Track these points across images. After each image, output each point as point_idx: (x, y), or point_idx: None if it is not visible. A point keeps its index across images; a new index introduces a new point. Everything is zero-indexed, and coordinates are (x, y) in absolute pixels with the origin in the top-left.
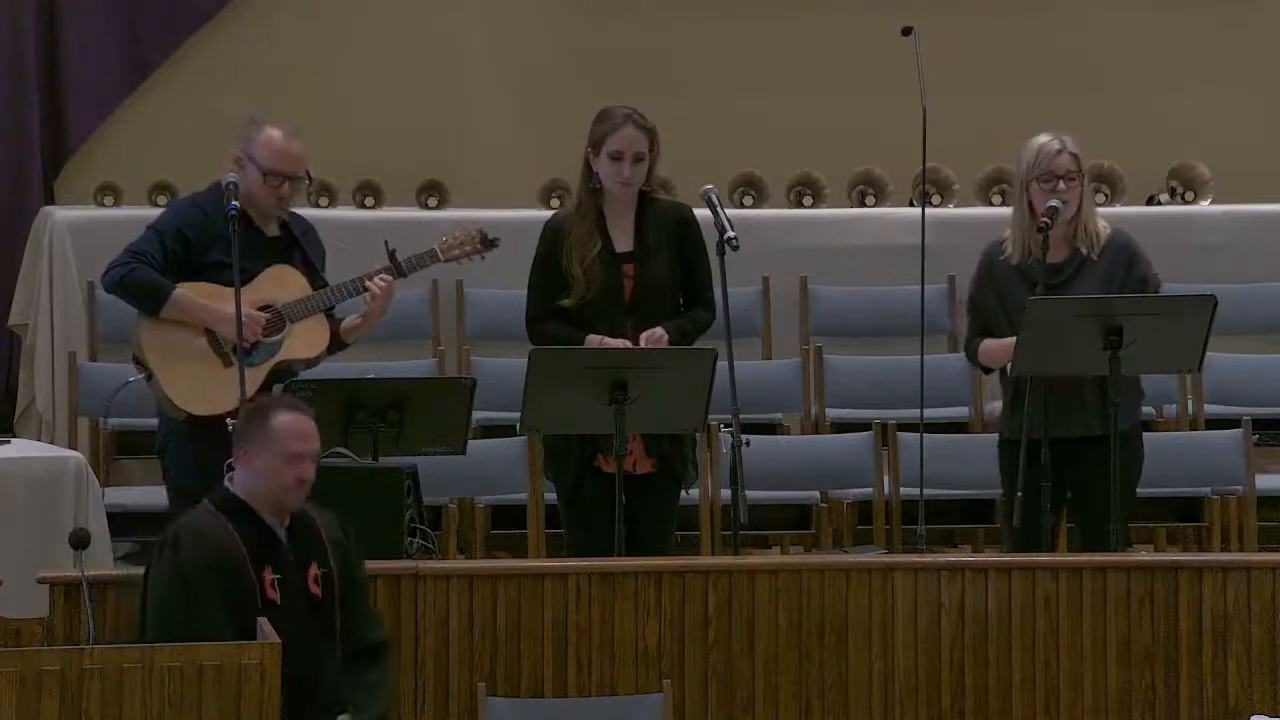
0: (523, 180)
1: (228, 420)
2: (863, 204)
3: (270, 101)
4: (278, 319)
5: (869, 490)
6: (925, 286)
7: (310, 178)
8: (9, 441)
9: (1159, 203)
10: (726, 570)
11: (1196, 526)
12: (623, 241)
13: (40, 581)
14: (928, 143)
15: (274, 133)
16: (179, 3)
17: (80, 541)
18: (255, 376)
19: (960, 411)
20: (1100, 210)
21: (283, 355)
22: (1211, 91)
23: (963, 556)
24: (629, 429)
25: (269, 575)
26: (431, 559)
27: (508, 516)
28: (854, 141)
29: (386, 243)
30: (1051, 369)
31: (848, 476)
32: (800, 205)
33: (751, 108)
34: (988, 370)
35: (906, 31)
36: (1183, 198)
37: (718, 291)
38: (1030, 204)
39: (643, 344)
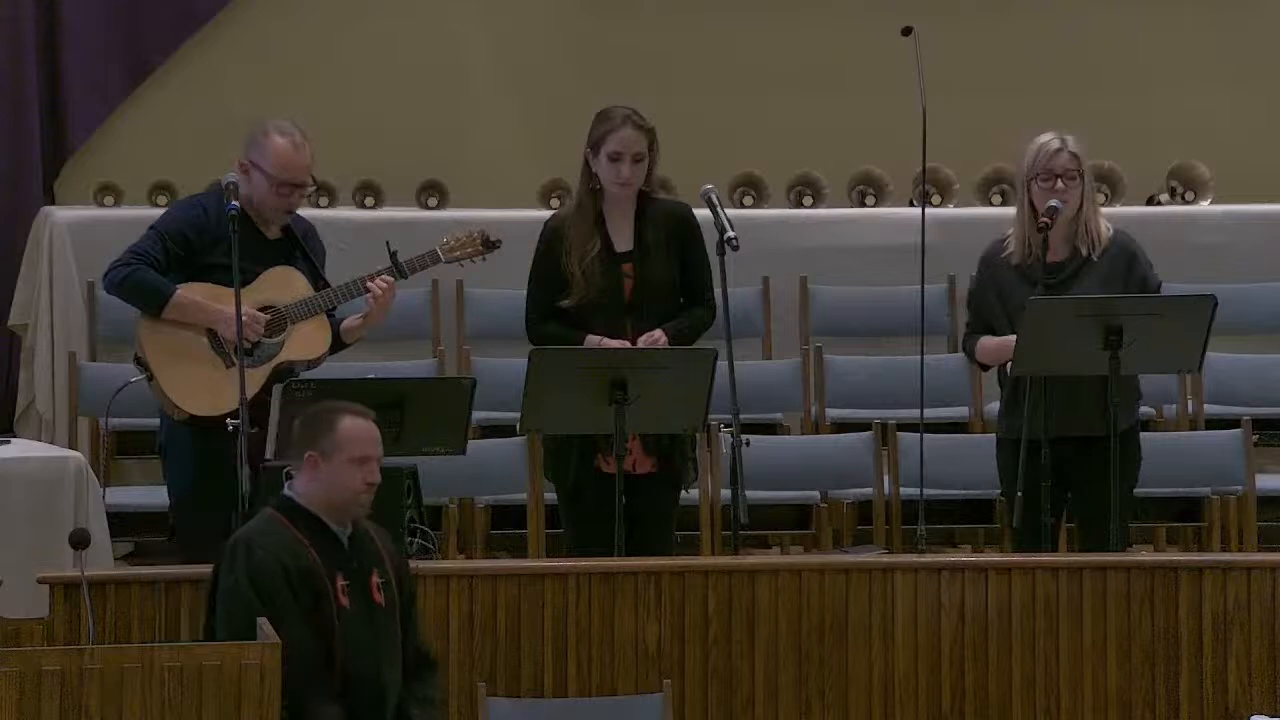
0: (523, 180)
1: (228, 420)
2: (863, 204)
3: (270, 101)
4: (279, 319)
5: (869, 490)
6: (925, 286)
7: (314, 180)
8: (9, 441)
9: (1159, 203)
10: (726, 570)
11: (1196, 526)
12: (622, 241)
13: (40, 581)
14: (928, 143)
15: (282, 141)
16: (179, 3)
17: (80, 541)
18: (256, 377)
19: (960, 411)
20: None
21: (283, 356)
22: (1211, 91)
23: (963, 556)
24: (629, 429)
25: (341, 581)
26: (431, 559)
27: (508, 516)
28: (854, 141)
29: (388, 244)
30: (1051, 369)
31: (848, 476)
32: (800, 205)
33: (751, 108)
34: (985, 368)
35: (906, 31)
36: (1183, 198)
37: (718, 291)
38: (1031, 203)
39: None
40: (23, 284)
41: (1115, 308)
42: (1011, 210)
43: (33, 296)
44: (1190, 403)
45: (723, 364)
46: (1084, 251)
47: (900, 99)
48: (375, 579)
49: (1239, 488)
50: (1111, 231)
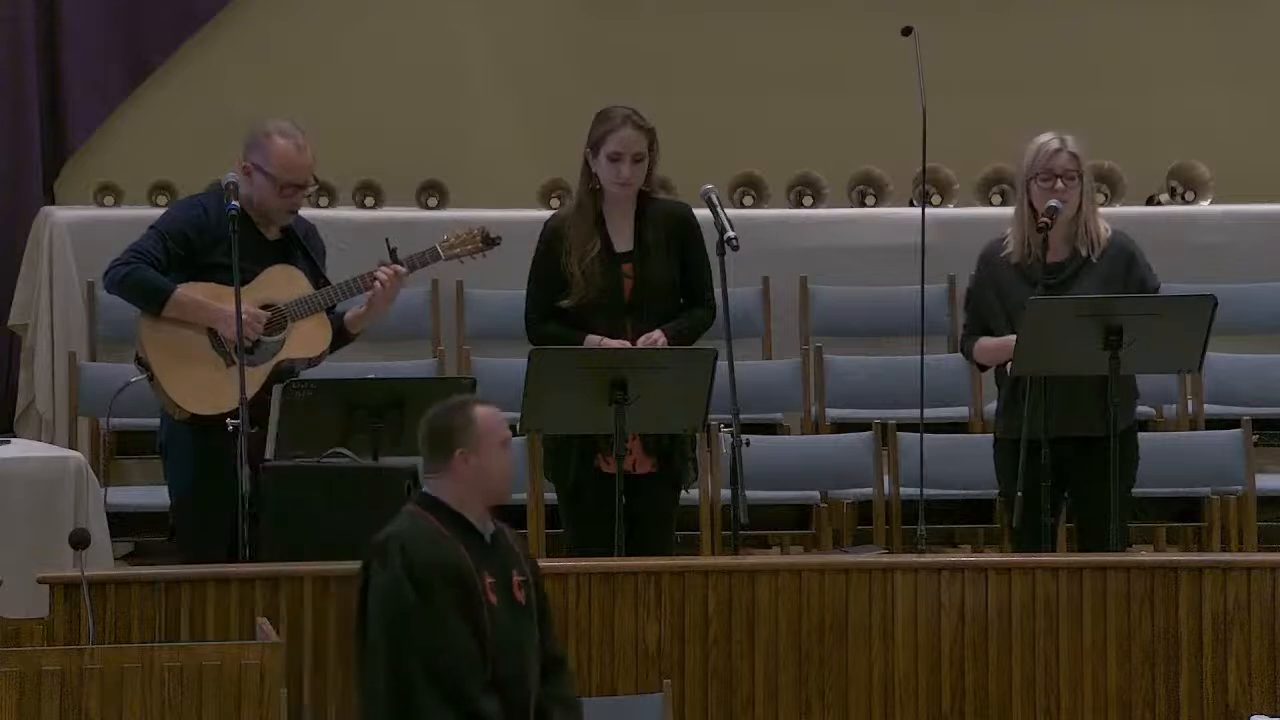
0: (523, 180)
1: (228, 420)
2: (863, 204)
3: (270, 101)
4: (279, 318)
5: (869, 490)
6: (925, 286)
7: (316, 180)
8: (9, 441)
9: (1159, 203)
10: (726, 570)
11: (1196, 526)
12: (622, 241)
13: (40, 581)
14: (928, 143)
15: (284, 143)
16: (179, 3)
17: (80, 541)
18: (257, 376)
19: (960, 411)
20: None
21: (284, 354)
22: (1211, 91)
23: (963, 556)
24: (629, 429)
25: (489, 579)
26: None
27: (508, 516)
28: (854, 141)
29: (388, 241)
30: (1051, 369)
31: (848, 476)
32: (800, 205)
33: (751, 108)
34: (984, 368)
35: (906, 31)
36: (1183, 198)
37: (717, 291)
38: (1030, 203)
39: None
40: (23, 284)
41: (1115, 308)
42: (1011, 210)
43: (33, 296)
44: (1190, 403)
45: (723, 364)
46: (1083, 252)
47: (900, 99)
48: (516, 577)
49: (1239, 488)
50: (1110, 232)
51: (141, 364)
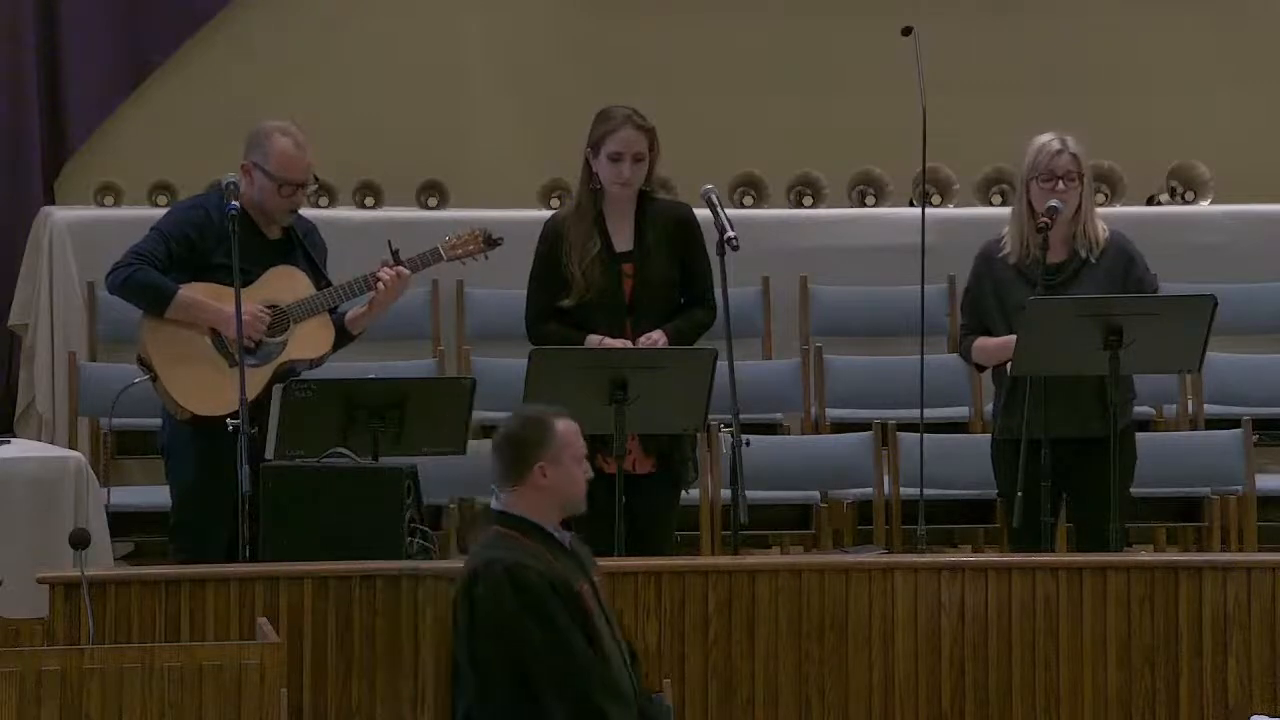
0: (523, 180)
1: (228, 420)
2: (863, 204)
3: (270, 101)
4: (281, 319)
5: (869, 490)
6: (925, 286)
7: (316, 179)
8: (9, 441)
9: (1159, 203)
10: (726, 570)
11: (1196, 526)
12: (622, 241)
13: (40, 581)
14: (928, 143)
15: (284, 142)
16: (179, 3)
17: (80, 541)
18: (259, 376)
19: (960, 411)
20: (1101, 210)
21: (286, 355)
22: (1211, 91)
23: (963, 556)
24: (629, 429)
25: (583, 586)
26: (431, 559)
27: None
28: (854, 141)
29: (390, 242)
30: (1051, 369)
31: (848, 476)
32: (800, 205)
33: (751, 108)
34: (981, 369)
35: (906, 31)
36: (1183, 198)
37: (717, 291)
38: (1030, 203)
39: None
40: (23, 284)
41: (1115, 308)
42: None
43: (33, 296)
44: (1190, 403)
45: (723, 364)
46: (1082, 253)
47: (900, 99)
48: (597, 581)
49: (1239, 488)
50: (1108, 233)
51: (144, 365)
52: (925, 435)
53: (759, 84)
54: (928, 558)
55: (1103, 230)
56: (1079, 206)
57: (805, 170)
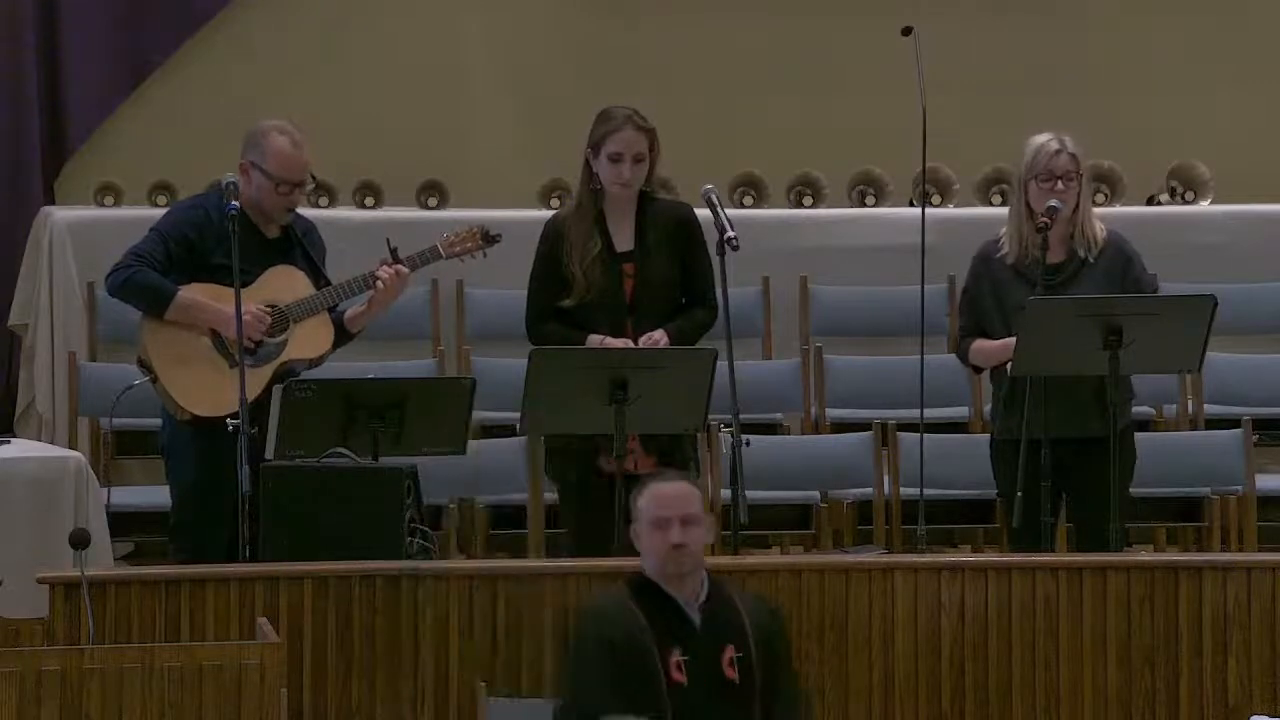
0: (523, 180)
1: (228, 420)
2: (863, 204)
3: (270, 101)
4: (281, 319)
5: (869, 490)
6: (925, 286)
7: (314, 178)
8: (9, 441)
9: (1159, 203)
10: (727, 570)
11: (1196, 526)
12: (623, 241)
13: (40, 581)
14: (928, 143)
15: (282, 140)
16: (179, 3)
17: (80, 541)
18: (259, 377)
19: (960, 411)
20: (1101, 210)
21: (286, 355)
22: (1211, 91)
23: (963, 556)
24: (629, 429)
25: (675, 657)
26: (431, 559)
27: (508, 516)
28: (854, 141)
29: (388, 240)
30: (1051, 369)
31: (848, 476)
32: (800, 205)
33: (751, 108)
34: (979, 370)
35: (906, 31)
36: (1183, 198)
37: (718, 291)
38: (1028, 203)
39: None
40: (23, 284)
41: (1115, 308)
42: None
43: (33, 296)
44: (1190, 403)
45: (723, 364)
46: (1081, 253)
47: (900, 99)
48: (730, 654)
49: (1239, 488)
50: (1106, 233)
51: (144, 366)
52: (925, 435)
53: (759, 84)
54: (928, 558)
55: (1101, 230)
56: (1077, 206)
57: (805, 170)
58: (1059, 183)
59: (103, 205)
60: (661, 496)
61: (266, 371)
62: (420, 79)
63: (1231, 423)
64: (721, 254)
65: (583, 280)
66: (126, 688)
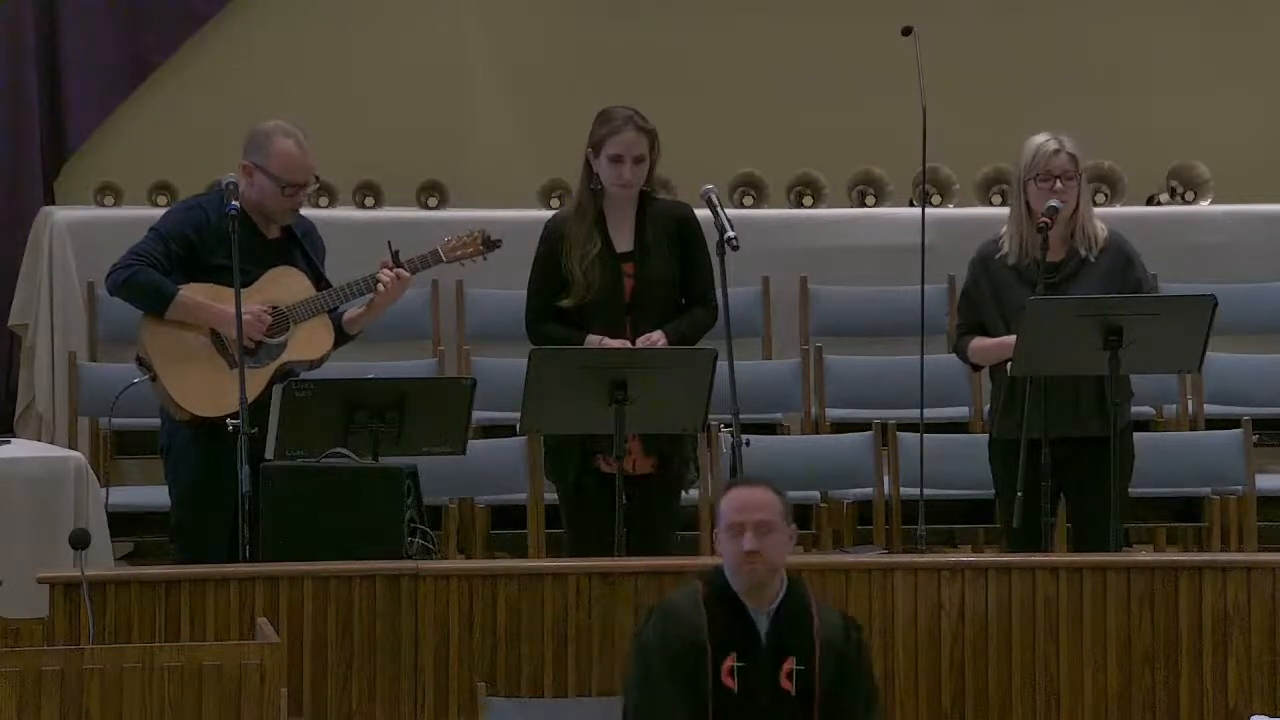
0: (523, 180)
1: (228, 420)
2: (863, 204)
3: (270, 101)
4: (281, 320)
5: (869, 490)
6: (925, 286)
7: (316, 179)
8: (9, 441)
9: (1159, 203)
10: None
11: (1196, 526)
12: (623, 241)
13: (40, 581)
14: (928, 143)
15: (287, 143)
16: (179, 3)
17: (80, 541)
18: (259, 377)
19: (960, 411)
20: (1101, 210)
21: (286, 356)
22: (1211, 91)
23: (963, 556)
24: (629, 429)
25: (731, 662)
26: (431, 559)
27: (508, 516)
28: (854, 141)
29: (390, 244)
30: (1051, 369)
31: (848, 476)
32: (800, 205)
33: (751, 108)
34: (977, 368)
35: (906, 31)
36: (1183, 198)
37: (718, 292)
38: (1027, 204)
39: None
40: (23, 284)
41: (1115, 308)
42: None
43: (33, 296)
44: (1190, 403)
45: (723, 364)
46: (1081, 252)
47: (900, 99)
48: (789, 666)
49: (1239, 488)
50: (1106, 232)
51: (143, 365)
52: (925, 435)
53: (759, 84)
54: (928, 558)
55: (1101, 230)
56: (1076, 205)
57: (805, 170)
58: (1057, 182)
59: (103, 205)
60: (737, 501)
61: (266, 372)
62: (420, 79)
63: (1231, 423)
64: (721, 254)
65: (582, 280)
66: (126, 688)
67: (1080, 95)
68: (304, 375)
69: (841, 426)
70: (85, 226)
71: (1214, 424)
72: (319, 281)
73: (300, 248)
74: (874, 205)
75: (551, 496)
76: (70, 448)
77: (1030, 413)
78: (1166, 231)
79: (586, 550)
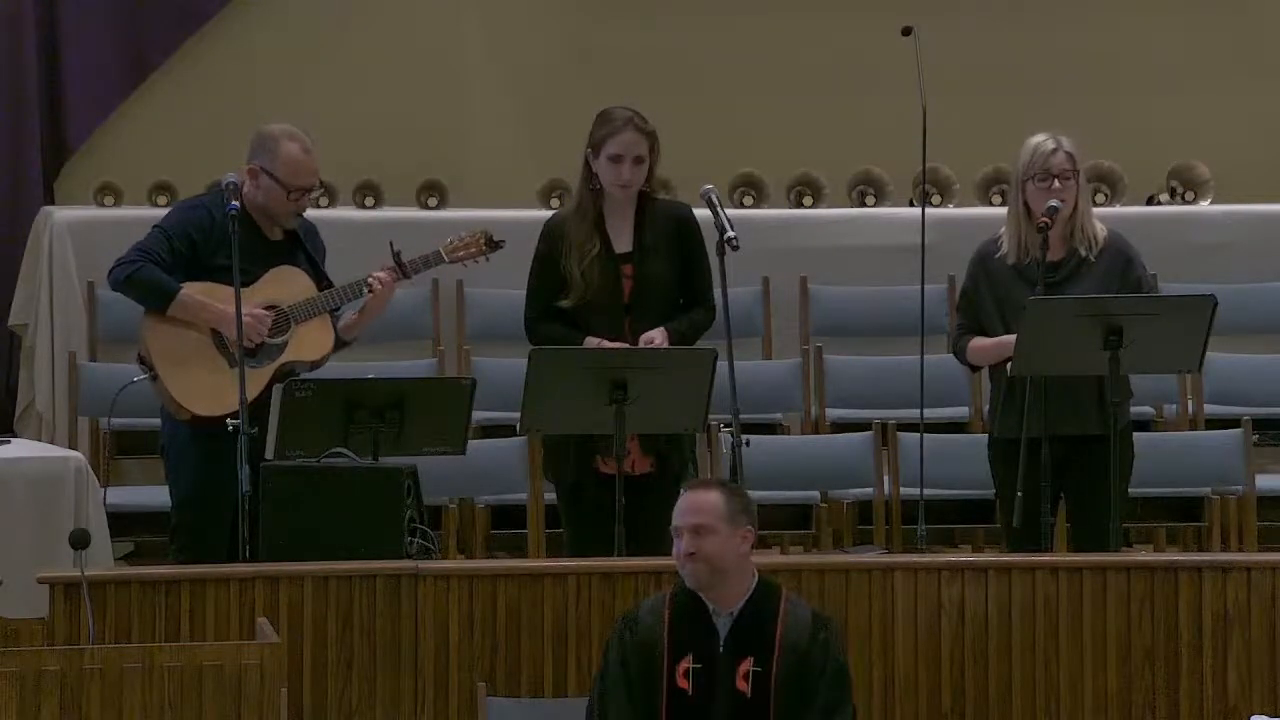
0: (523, 180)
1: (228, 420)
2: (863, 204)
3: (271, 101)
4: (283, 320)
5: (869, 490)
6: (925, 286)
7: (320, 182)
8: (9, 441)
9: (1159, 203)
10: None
11: (1196, 526)
12: (622, 242)
13: (40, 581)
14: (928, 143)
15: (293, 147)
16: (179, 3)
17: (80, 541)
18: (260, 377)
19: (960, 411)
20: (1100, 210)
21: (287, 357)
22: (1211, 91)
23: (963, 556)
24: (629, 429)
25: (686, 664)
26: (431, 559)
27: (508, 516)
28: (854, 141)
29: (391, 244)
30: (1051, 369)
31: (848, 476)
32: (800, 205)
33: (751, 108)
34: (976, 368)
35: (906, 31)
36: (1183, 198)
37: (717, 292)
38: (1026, 204)
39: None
40: (23, 284)
41: (1115, 308)
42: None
43: (33, 296)
44: (1190, 403)
45: (723, 364)
46: (1081, 252)
47: (900, 99)
48: (746, 666)
49: (1239, 488)
50: (1106, 232)
51: (144, 363)
52: (925, 435)
53: (759, 84)
54: (928, 558)
55: (1100, 229)
56: (1075, 205)
57: (805, 170)
58: (1055, 181)
59: (103, 205)
60: (681, 505)
61: (267, 372)
62: (420, 79)
63: (1231, 423)
64: (721, 254)
65: (581, 281)
66: (126, 688)
67: (1080, 95)
68: (304, 375)
69: (841, 426)
70: (85, 226)
71: (1214, 424)
72: (321, 282)
73: (303, 248)
74: (874, 205)
75: (551, 496)
76: (70, 447)
77: (1030, 412)
78: (1166, 231)
79: (586, 550)
